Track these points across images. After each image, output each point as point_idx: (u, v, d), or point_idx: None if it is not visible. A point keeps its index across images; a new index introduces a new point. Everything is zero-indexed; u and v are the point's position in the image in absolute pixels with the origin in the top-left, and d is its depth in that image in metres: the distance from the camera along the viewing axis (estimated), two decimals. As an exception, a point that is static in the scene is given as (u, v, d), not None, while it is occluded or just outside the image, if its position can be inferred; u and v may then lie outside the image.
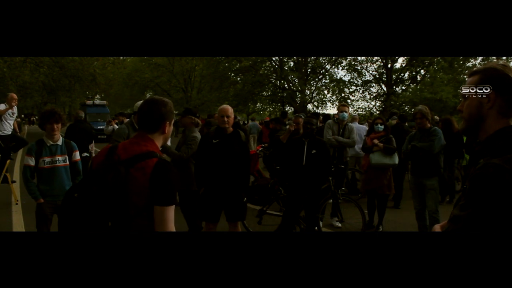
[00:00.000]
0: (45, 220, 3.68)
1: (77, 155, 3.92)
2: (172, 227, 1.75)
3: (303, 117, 5.97)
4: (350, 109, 18.25)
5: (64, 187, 3.72)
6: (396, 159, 5.36)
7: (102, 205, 1.70)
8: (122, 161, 1.78)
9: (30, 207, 5.51)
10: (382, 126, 5.53)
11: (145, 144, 1.85)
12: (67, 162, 3.81)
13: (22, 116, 35.20)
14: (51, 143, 3.74)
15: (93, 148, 8.19)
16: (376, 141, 5.42)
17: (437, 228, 1.43)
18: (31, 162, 3.65)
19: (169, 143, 4.63)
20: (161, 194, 1.74)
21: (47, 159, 3.70)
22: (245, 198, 4.02)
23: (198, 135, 4.45)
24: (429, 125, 4.72)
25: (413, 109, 18.53)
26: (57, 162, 3.74)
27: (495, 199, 1.16)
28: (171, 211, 1.76)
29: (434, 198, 4.61)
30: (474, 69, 1.42)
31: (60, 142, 3.79)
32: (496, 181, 1.16)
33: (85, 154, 6.72)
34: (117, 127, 7.69)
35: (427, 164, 4.63)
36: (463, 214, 1.21)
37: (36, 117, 32.25)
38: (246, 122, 22.70)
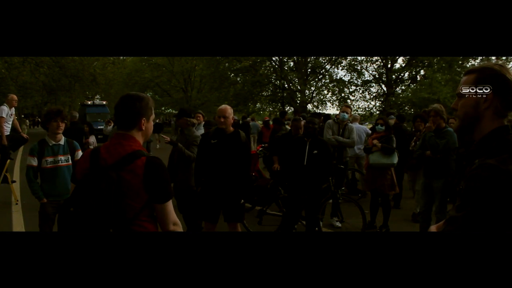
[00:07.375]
0: (48, 219, 3.68)
1: (79, 155, 3.89)
2: (174, 217, 1.84)
3: (300, 118, 5.95)
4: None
5: (67, 187, 3.72)
6: (394, 159, 5.35)
7: (100, 215, 1.65)
8: (110, 165, 1.74)
9: (30, 207, 5.52)
10: (383, 127, 5.54)
11: (128, 143, 1.80)
12: (70, 162, 3.81)
13: (22, 116, 35.20)
14: (53, 142, 3.74)
15: (95, 144, 8.15)
16: (375, 141, 5.44)
17: (433, 229, 1.43)
18: (34, 162, 3.66)
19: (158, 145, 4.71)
20: (159, 192, 1.78)
21: (50, 159, 3.70)
22: (243, 200, 3.99)
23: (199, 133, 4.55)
24: (444, 124, 4.63)
25: (412, 109, 18.52)
26: (60, 162, 3.75)
27: (490, 199, 1.15)
28: (170, 204, 1.83)
29: (441, 199, 4.56)
30: (470, 68, 1.40)
31: (62, 142, 3.80)
32: (491, 182, 1.16)
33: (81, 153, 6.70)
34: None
35: (437, 165, 4.58)
36: (459, 215, 1.21)
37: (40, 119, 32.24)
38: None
